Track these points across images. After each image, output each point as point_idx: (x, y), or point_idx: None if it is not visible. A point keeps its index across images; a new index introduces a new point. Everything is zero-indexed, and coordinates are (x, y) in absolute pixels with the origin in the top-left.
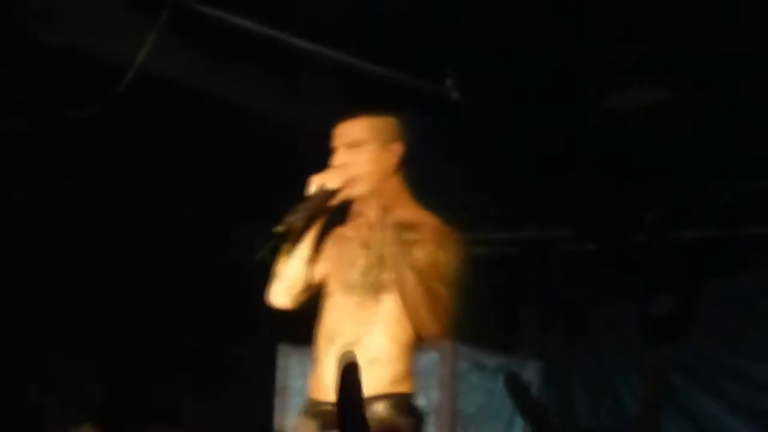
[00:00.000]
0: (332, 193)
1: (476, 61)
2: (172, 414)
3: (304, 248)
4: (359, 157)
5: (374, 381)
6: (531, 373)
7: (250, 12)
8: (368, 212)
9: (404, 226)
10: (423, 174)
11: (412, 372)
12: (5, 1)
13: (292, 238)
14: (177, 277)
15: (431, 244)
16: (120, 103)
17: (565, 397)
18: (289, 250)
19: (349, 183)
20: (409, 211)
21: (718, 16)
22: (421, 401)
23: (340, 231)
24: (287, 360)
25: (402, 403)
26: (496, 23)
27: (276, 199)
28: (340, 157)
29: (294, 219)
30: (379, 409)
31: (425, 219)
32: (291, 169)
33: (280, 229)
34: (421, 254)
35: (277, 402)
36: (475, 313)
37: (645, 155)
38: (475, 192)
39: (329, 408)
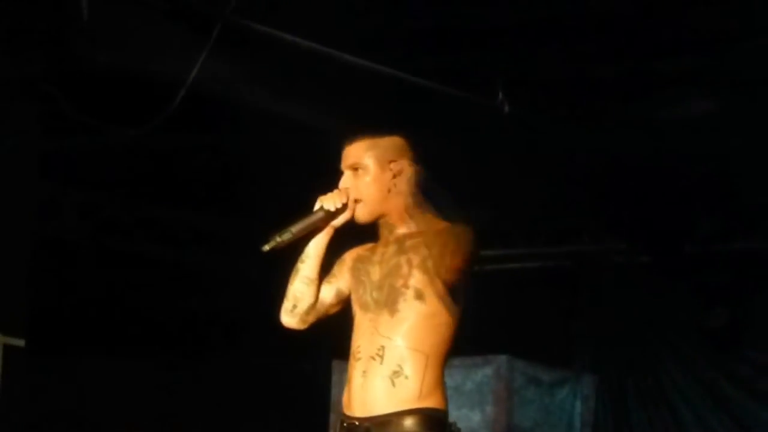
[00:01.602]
0: (330, 215)
1: (528, 75)
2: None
3: (307, 268)
4: (360, 179)
5: (399, 395)
6: (586, 387)
7: (298, 28)
8: (382, 232)
9: (412, 235)
10: (476, 188)
11: (441, 385)
12: (57, 23)
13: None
14: (231, 293)
15: (435, 238)
16: (172, 121)
17: (621, 410)
18: (294, 269)
19: (351, 205)
20: (421, 223)
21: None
22: (476, 416)
23: (361, 252)
24: (342, 376)
25: (431, 418)
26: (547, 36)
27: None
28: (343, 180)
29: (279, 239)
30: (408, 424)
31: (435, 226)
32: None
33: (266, 247)
34: (426, 252)
35: (332, 417)
36: (530, 327)
37: (697, 167)
38: (528, 206)
39: (356, 424)
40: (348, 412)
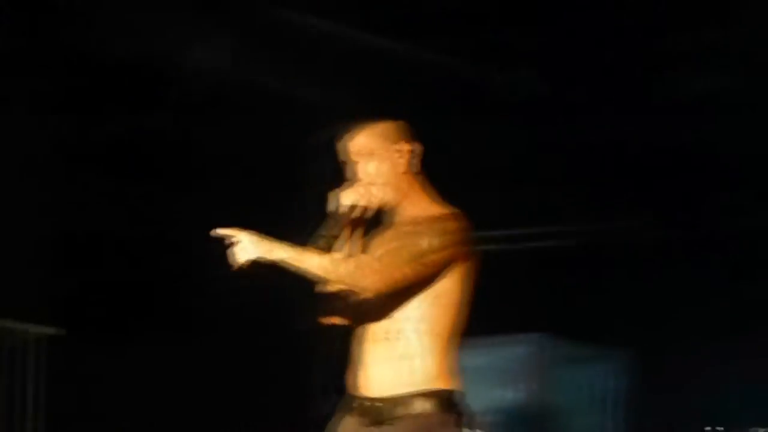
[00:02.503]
0: (353, 207)
1: (552, 53)
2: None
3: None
4: (370, 165)
5: (410, 376)
6: (621, 363)
7: (323, 13)
8: (386, 215)
9: (407, 222)
10: (506, 169)
11: (450, 367)
12: (83, 14)
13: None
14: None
15: (413, 229)
16: (196, 110)
17: (656, 386)
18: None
19: (366, 194)
20: (421, 207)
21: None
22: (510, 395)
23: (368, 241)
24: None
25: (442, 399)
26: (568, 14)
27: None
28: (354, 169)
29: (323, 242)
30: (417, 406)
31: (432, 211)
32: None
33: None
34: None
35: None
36: (564, 305)
37: (731, 142)
38: (560, 184)
39: (366, 404)
40: (355, 393)
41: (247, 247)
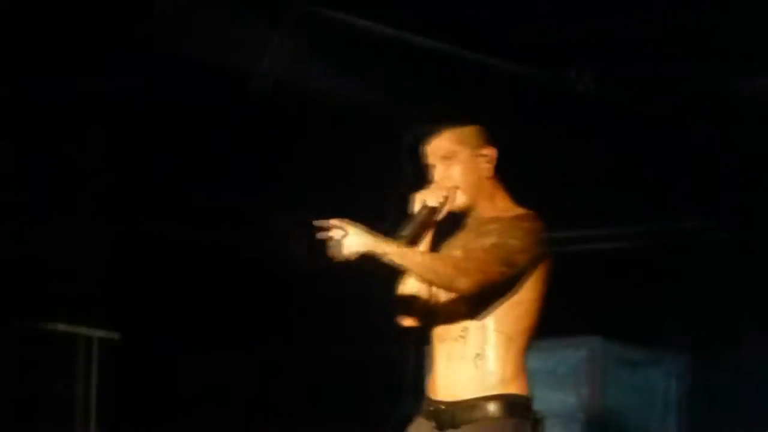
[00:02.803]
0: (434, 210)
1: (603, 52)
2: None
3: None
4: (454, 168)
5: (483, 379)
6: (680, 366)
7: (372, 14)
8: (467, 220)
9: (490, 221)
10: (561, 169)
11: (523, 370)
12: (134, 12)
13: None
14: (314, 282)
15: (502, 226)
16: (247, 111)
17: (716, 389)
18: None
19: (449, 196)
20: (501, 209)
21: None
22: (571, 399)
23: (448, 241)
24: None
25: (515, 404)
26: (621, 12)
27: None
28: (437, 172)
29: (404, 238)
30: (492, 410)
31: (512, 212)
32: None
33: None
34: (493, 237)
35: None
36: (620, 308)
37: None
38: (614, 186)
39: (442, 407)
40: (433, 396)
41: (354, 239)
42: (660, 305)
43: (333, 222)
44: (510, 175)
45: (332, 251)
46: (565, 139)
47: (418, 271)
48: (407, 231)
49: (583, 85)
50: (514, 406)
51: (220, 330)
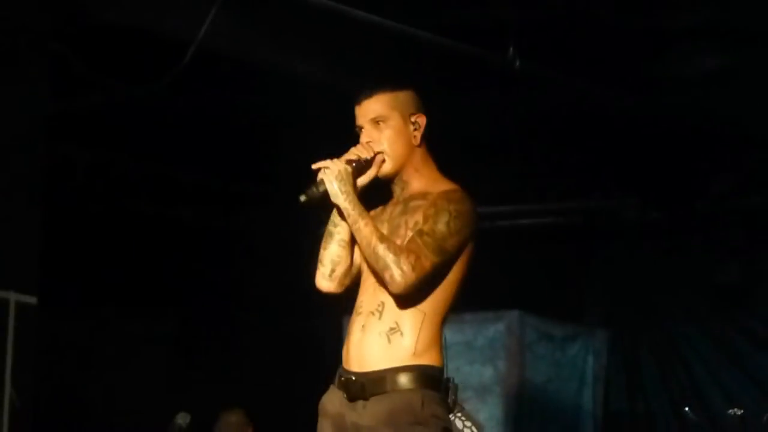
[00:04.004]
0: (360, 168)
1: (539, 31)
2: (241, 388)
3: (342, 230)
4: (384, 132)
5: (394, 352)
6: (599, 342)
7: None
8: (395, 189)
9: (417, 196)
10: (486, 144)
11: (437, 343)
12: None
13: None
14: (242, 252)
15: (430, 206)
16: (181, 79)
17: (633, 365)
18: (326, 233)
19: (377, 160)
20: (428, 181)
21: None
22: (488, 372)
23: (373, 212)
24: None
25: (426, 375)
26: None
27: None
28: (366, 134)
29: (315, 189)
30: (402, 381)
31: (439, 186)
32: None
33: (302, 198)
34: (419, 216)
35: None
36: (541, 283)
37: (710, 122)
38: (540, 162)
39: (353, 378)
40: (346, 366)
41: (332, 175)
42: (581, 281)
43: (326, 162)
44: (438, 148)
45: (311, 189)
46: (492, 115)
47: (363, 242)
48: (321, 186)
49: (519, 63)
50: (425, 377)
51: (139, 295)
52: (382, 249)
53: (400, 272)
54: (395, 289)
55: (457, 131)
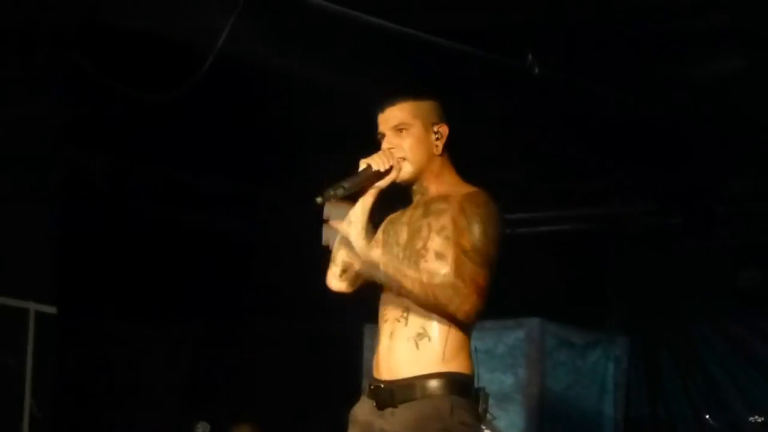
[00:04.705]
0: (378, 175)
1: (558, 37)
2: (258, 395)
3: (356, 232)
4: (406, 140)
5: (424, 358)
6: (619, 348)
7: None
8: (415, 194)
9: (437, 199)
10: (508, 151)
11: (465, 348)
12: None
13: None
14: (260, 259)
15: (456, 207)
16: (199, 87)
17: (654, 371)
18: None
19: (396, 166)
20: (448, 186)
21: None
22: (509, 379)
23: (393, 216)
24: (372, 340)
25: (456, 381)
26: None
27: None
28: (386, 141)
29: (333, 192)
30: (432, 387)
31: (461, 189)
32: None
33: (318, 200)
34: (447, 219)
35: (364, 381)
36: (561, 290)
37: (728, 126)
38: (560, 168)
39: (382, 386)
40: (376, 375)
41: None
42: (601, 288)
43: (342, 227)
44: (458, 154)
45: (328, 191)
46: (512, 121)
47: (412, 289)
48: (347, 183)
49: (538, 69)
50: (455, 384)
51: (158, 305)
52: (434, 289)
53: (462, 300)
54: (465, 318)
55: (476, 138)
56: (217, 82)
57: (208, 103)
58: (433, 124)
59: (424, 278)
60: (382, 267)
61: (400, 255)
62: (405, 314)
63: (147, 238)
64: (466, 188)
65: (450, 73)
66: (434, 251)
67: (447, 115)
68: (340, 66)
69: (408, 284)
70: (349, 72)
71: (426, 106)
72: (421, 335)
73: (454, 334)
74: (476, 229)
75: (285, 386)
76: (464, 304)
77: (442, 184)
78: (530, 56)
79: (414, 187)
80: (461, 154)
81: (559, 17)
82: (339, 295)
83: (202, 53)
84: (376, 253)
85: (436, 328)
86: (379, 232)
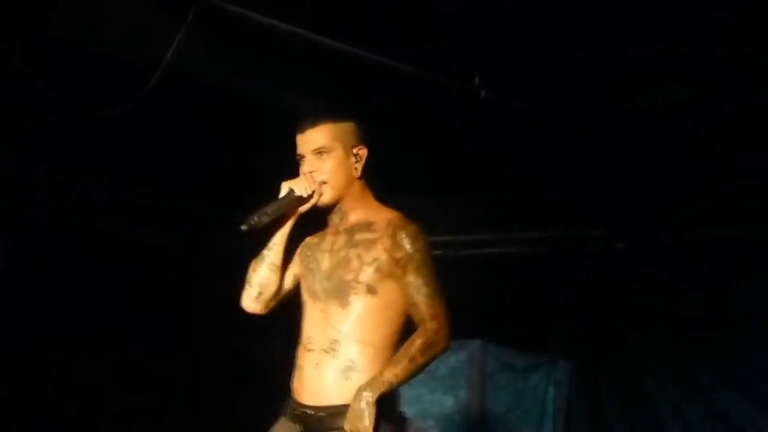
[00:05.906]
0: (301, 200)
1: (505, 60)
2: (201, 413)
3: (274, 255)
4: (326, 163)
5: (353, 388)
6: (560, 372)
7: (273, 10)
8: (333, 218)
9: (361, 226)
10: (452, 173)
11: None
12: (34, 2)
13: (259, 241)
14: (203, 276)
15: (387, 239)
16: (146, 102)
17: (594, 396)
18: (259, 256)
19: (317, 190)
20: (368, 210)
21: (744, 15)
22: (449, 401)
23: (310, 239)
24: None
25: (382, 407)
26: (524, 22)
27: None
28: (308, 164)
29: (257, 219)
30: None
31: (380, 214)
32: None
33: (243, 228)
34: (379, 252)
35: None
36: (504, 312)
37: (673, 154)
38: (504, 191)
39: (310, 412)
40: (299, 399)
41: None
42: (544, 311)
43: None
44: (402, 176)
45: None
46: (457, 143)
47: (431, 352)
48: (270, 209)
49: (485, 92)
50: (382, 410)
51: (94, 332)
52: (431, 347)
53: (446, 337)
54: (449, 344)
55: (421, 159)
56: (160, 97)
57: (149, 118)
58: (353, 146)
59: (416, 344)
60: (401, 375)
61: (324, 284)
62: (333, 346)
63: (89, 251)
64: (387, 213)
65: (396, 95)
66: (366, 284)
67: (365, 136)
68: (284, 85)
69: (420, 362)
70: (292, 91)
71: (346, 128)
72: (351, 368)
73: (380, 365)
74: (427, 268)
75: (207, 403)
76: (448, 338)
77: (363, 207)
78: (477, 79)
79: (333, 210)
80: (406, 175)
81: (507, 41)
82: (253, 316)
83: (150, 67)
84: (389, 373)
85: (364, 361)
86: (296, 256)
